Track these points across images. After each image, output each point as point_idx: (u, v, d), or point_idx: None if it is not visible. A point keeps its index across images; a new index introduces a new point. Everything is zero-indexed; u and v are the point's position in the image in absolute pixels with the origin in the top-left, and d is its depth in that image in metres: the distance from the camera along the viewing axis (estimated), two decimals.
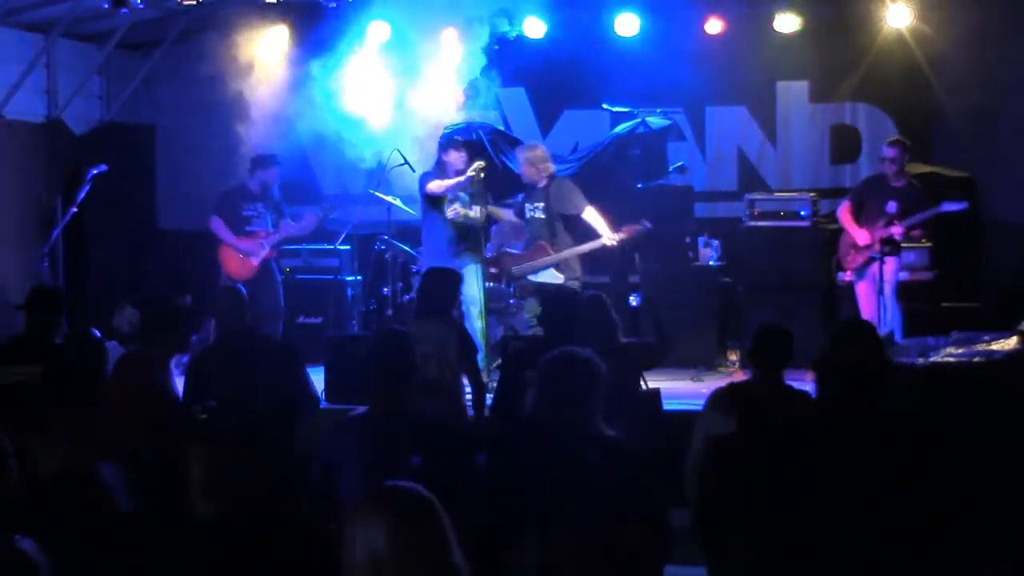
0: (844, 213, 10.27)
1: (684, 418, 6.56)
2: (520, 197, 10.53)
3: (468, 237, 9.84)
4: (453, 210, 9.83)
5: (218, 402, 6.29)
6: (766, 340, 5.68)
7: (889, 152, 10.13)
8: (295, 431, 6.44)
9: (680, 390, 9.51)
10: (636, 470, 4.31)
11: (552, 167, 9.78)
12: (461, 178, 9.67)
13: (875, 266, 9.96)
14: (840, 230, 10.46)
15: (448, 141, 9.96)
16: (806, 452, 3.90)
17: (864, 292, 10.14)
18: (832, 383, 3.98)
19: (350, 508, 2.96)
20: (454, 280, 7.58)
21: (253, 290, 9.44)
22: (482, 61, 10.92)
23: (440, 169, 9.90)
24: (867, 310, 10.09)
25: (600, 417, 4.32)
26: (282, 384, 6.40)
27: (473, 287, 9.49)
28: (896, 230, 9.91)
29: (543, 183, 9.72)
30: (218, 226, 10.50)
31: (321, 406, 8.98)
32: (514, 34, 11.45)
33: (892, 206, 9.94)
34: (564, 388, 4.31)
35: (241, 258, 10.45)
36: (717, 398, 5.71)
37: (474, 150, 10.92)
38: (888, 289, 9.97)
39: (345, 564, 2.92)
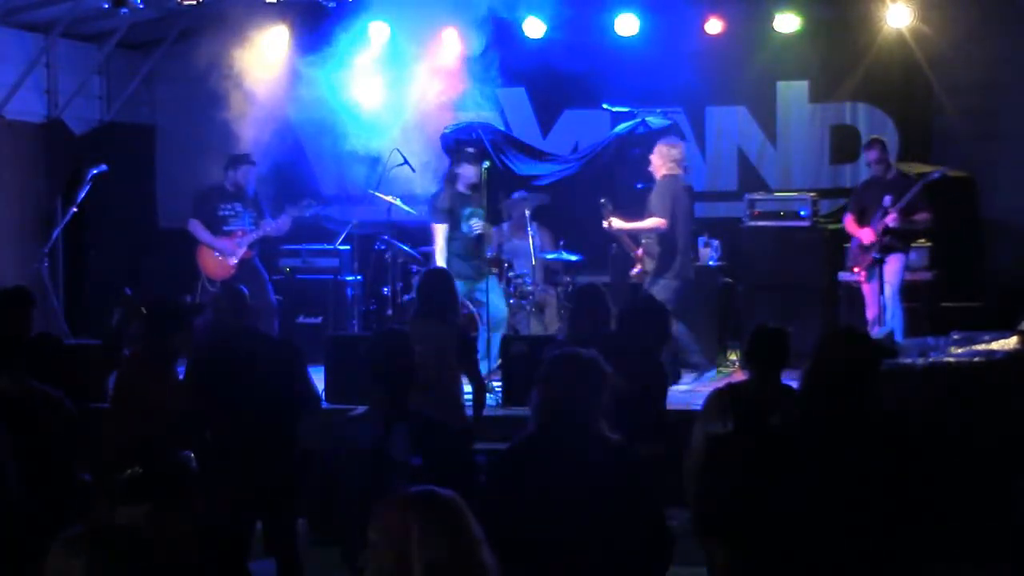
0: (848, 223, 10.35)
1: (684, 418, 6.56)
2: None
3: (481, 250, 9.91)
4: (471, 225, 9.82)
5: (221, 401, 6.28)
6: (762, 341, 5.68)
7: (871, 155, 10.25)
8: (298, 429, 6.44)
9: (680, 390, 9.52)
10: (638, 472, 4.29)
11: (675, 171, 9.88)
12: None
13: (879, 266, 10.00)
14: (843, 232, 10.50)
15: (462, 154, 9.92)
16: (804, 452, 3.89)
17: (870, 292, 10.14)
18: (815, 387, 3.98)
19: (377, 513, 2.96)
20: (453, 281, 7.58)
21: None
22: (482, 44, 10.93)
23: (450, 182, 9.85)
24: (873, 310, 10.10)
25: (603, 419, 4.28)
26: (283, 382, 6.38)
27: (498, 299, 9.80)
28: (890, 218, 9.92)
29: (657, 178, 9.90)
30: (196, 227, 10.50)
31: (322, 406, 9.01)
32: (518, 18, 11.45)
33: (887, 199, 10.00)
34: (568, 388, 4.26)
35: (219, 258, 10.43)
36: (715, 398, 5.72)
37: (475, 151, 10.94)
38: (889, 290, 9.98)
39: (372, 567, 2.92)
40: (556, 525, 4.09)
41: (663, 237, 9.77)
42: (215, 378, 6.41)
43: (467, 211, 9.75)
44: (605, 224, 9.82)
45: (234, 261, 10.39)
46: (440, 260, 9.58)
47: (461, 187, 9.76)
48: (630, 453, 4.30)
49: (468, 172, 9.77)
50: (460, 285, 9.19)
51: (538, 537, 4.09)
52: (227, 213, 10.50)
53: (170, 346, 6.35)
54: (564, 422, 4.22)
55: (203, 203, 10.60)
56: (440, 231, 9.72)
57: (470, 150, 9.99)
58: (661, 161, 9.92)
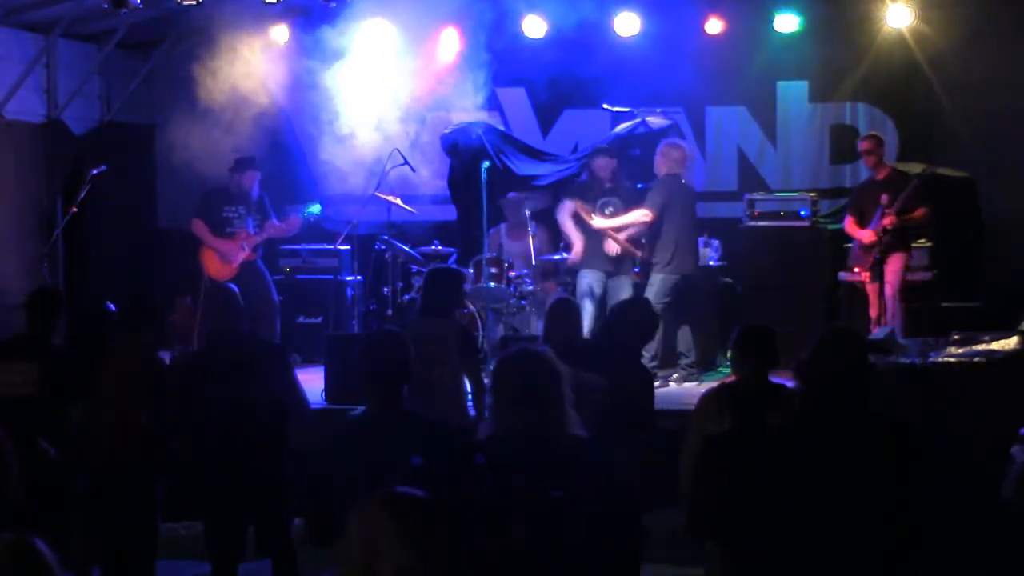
0: (849, 225, 10.34)
1: (684, 417, 6.56)
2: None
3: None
4: (598, 220, 10.13)
5: (203, 403, 6.28)
6: (751, 340, 5.67)
7: (863, 145, 10.30)
8: (286, 432, 6.41)
9: (680, 390, 9.53)
10: (608, 470, 4.27)
11: (675, 170, 10.22)
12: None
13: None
14: (843, 232, 10.50)
15: (595, 149, 10.26)
16: (802, 452, 3.90)
17: (873, 292, 10.15)
18: (813, 388, 3.97)
19: (352, 512, 2.95)
20: (458, 279, 7.58)
21: (243, 291, 9.53)
22: (482, 43, 10.95)
23: (591, 176, 10.28)
24: (876, 310, 10.10)
25: (565, 416, 4.24)
26: (267, 384, 6.32)
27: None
28: (887, 221, 9.92)
29: (658, 177, 10.23)
30: (199, 228, 10.63)
31: (322, 406, 9.01)
32: (518, 18, 11.48)
33: (884, 198, 10.00)
34: (520, 387, 4.24)
35: (221, 259, 10.51)
36: (710, 398, 5.72)
37: (475, 152, 10.95)
38: (890, 290, 9.98)
39: (345, 567, 2.91)
40: (529, 527, 4.07)
41: (656, 232, 9.96)
42: (197, 379, 6.39)
43: (599, 202, 10.12)
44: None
45: (236, 263, 10.49)
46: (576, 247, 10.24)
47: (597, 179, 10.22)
48: (598, 451, 4.29)
49: (601, 166, 10.20)
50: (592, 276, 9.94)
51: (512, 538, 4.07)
52: (231, 215, 10.62)
53: (142, 342, 6.40)
54: (520, 421, 4.19)
55: (207, 204, 10.72)
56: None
57: (603, 145, 10.36)
58: (663, 161, 10.19)
